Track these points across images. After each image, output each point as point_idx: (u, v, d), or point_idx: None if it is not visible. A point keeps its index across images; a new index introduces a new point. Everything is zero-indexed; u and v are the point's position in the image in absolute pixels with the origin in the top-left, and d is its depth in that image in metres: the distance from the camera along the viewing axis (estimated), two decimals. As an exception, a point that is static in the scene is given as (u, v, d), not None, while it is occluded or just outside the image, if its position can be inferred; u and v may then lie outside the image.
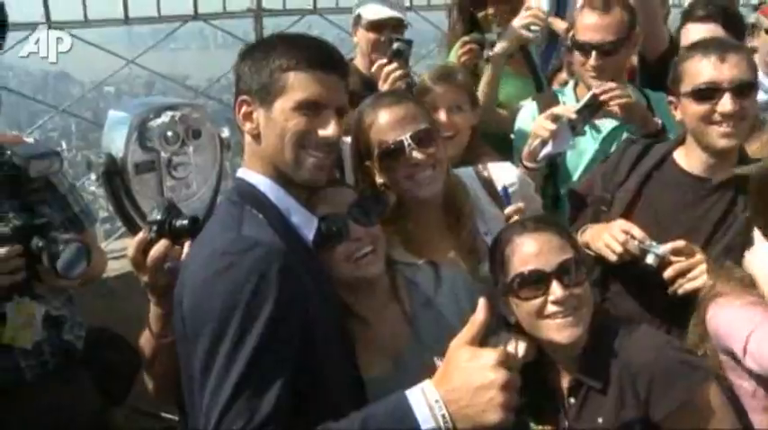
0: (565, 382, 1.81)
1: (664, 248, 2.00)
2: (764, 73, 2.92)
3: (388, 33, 2.89)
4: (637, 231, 2.04)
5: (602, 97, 2.46)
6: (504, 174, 2.20)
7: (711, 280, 1.91)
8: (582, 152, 2.67)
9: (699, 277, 1.97)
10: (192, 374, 1.47)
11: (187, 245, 1.78)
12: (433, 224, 2.07)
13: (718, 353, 1.85)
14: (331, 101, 1.62)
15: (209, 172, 2.35)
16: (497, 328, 1.82)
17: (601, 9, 2.52)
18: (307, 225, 1.66)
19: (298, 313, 1.47)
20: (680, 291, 1.99)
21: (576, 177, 2.68)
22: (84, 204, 2.27)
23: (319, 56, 1.62)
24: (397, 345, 1.84)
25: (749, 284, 1.82)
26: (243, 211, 1.58)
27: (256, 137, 1.64)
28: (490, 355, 1.28)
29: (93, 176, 2.25)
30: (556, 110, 2.49)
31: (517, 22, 2.86)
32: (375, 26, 2.95)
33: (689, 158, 2.18)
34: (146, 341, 1.93)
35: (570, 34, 2.66)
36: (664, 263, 2.00)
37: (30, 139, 2.24)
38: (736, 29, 2.89)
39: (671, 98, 2.19)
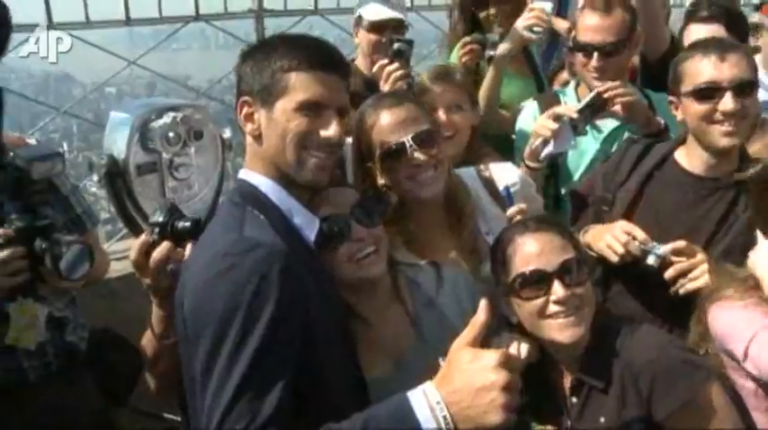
0: (567, 382, 1.81)
1: (664, 249, 2.00)
2: (767, 73, 2.93)
3: (389, 34, 2.89)
4: (638, 232, 2.04)
5: (606, 95, 2.46)
6: (505, 174, 2.20)
7: (713, 280, 1.91)
8: (583, 152, 2.67)
9: (700, 277, 1.97)
10: (193, 375, 1.47)
11: (189, 246, 1.78)
12: (435, 224, 2.08)
13: (720, 353, 1.85)
14: (332, 101, 1.62)
15: (211, 173, 2.36)
16: (500, 329, 1.82)
17: (602, 10, 2.52)
18: (309, 226, 1.66)
19: (299, 314, 1.47)
20: (681, 292, 1.99)
21: (577, 177, 2.68)
22: (87, 205, 2.27)
23: (320, 56, 1.62)
24: (400, 346, 1.84)
25: (752, 285, 1.82)
26: (244, 212, 1.58)
27: (258, 137, 1.64)
28: (491, 357, 1.28)
29: (95, 177, 2.25)
30: (557, 109, 2.50)
31: (520, 23, 2.84)
32: (376, 27, 2.95)
33: (690, 158, 2.18)
34: (148, 342, 1.94)
35: (572, 35, 2.66)
36: (665, 263, 2.00)
37: (32, 141, 2.24)
38: (739, 29, 2.89)
39: (671, 98, 2.19)
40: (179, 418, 2.16)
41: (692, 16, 3.00)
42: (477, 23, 3.19)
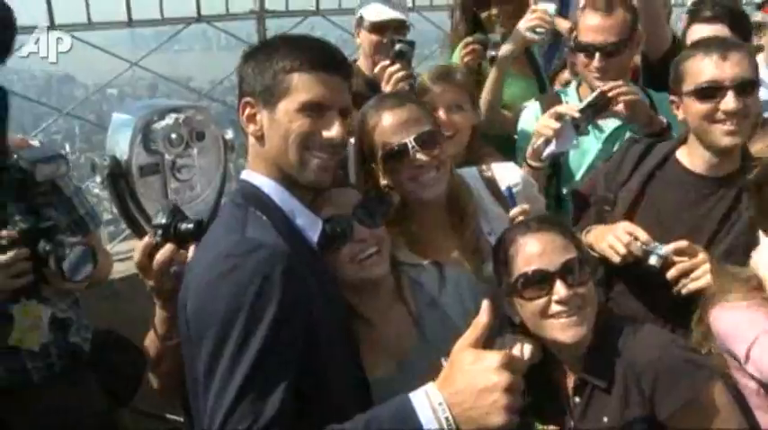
0: (570, 382, 1.81)
1: (666, 249, 2.00)
2: (771, 72, 2.92)
3: (391, 35, 2.89)
4: (641, 233, 2.04)
5: (610, 94, 2.46)
6: (507, 174, 2.20)
7: (716, 280, 1.91)
8: (585, 152, 2.67)
9: (702, 277, 1.97)
10: (196, 376, 1.47)
11: (192, 248, 1.78)
12: (437, 224, 2.08)
13: (722, 353, 1.85)
14: (335, 102, 1.62)
15: (213, 174, 2.35)
16: (502, 329, 1.82)
17: (603, 10, 2.52)
18: (311, 226, 1.66)
19: (302, 315, 1.47)
20: (684, 291, 1.99)
21: (578, 177, 2.68)
22: (90, 207, 2.27)
23: (322, 57, 1.62)
24: (403, 346, 1.84)
25: (755, 286, 1.82)
26: (247, 213, 1.58)
27: (260, 138, 1.64)
28: (494, 358, 1.28)
29: (97, 179, 2.25)
30: (559, 108, 2.50)
31: (523, 24, 2.84)
32: (377, 27, 2.95)
33: (691, 157, 2.18)
34: (151, 342, 1.94)
35: (573, 35, 2.66)
36: (667, 263, 2.00)
37: (35, 142, 2.25)
38: (743, 29, 2.89)
39: (673, 97, 2.19)
40: (182, 419, 2.16)
41: (695, 16, 2.99)
42: (479, 23, 3.19)
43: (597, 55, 2.53)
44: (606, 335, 1.76)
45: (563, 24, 3.19)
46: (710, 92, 2.03)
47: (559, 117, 2.44)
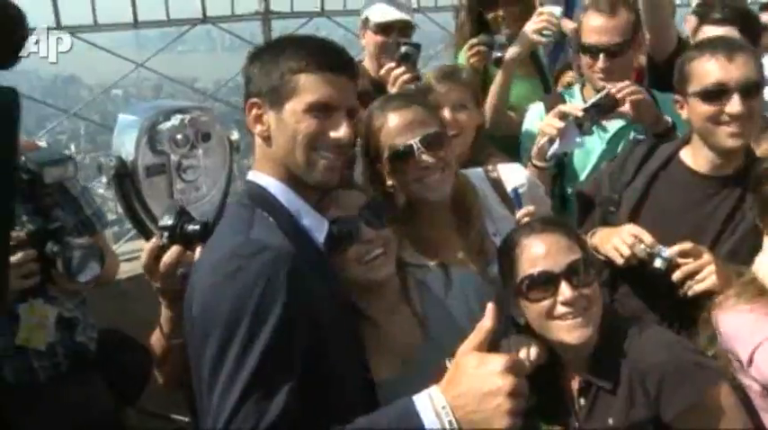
0: (575, 383, 1.81)
1: (671, 251, 1.99)
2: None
3: (396, 36, 2.89)
4: (646, 236, 2.03)
5: (618, 96, 2.46)
6: (513, 175, 2.20)
7: (721, 282, 1.91)
8: (589, 152, 2.67)
9: (707, 278, 1.96)
10: (201, 376, 1.47)
11: (198, 249, 1.78)
12: (443, 225, 2.08)
13: (728, 354, 1.85)
14: (342, 102, 1.62)
15: (219, 174, 2.35)
16: (508, 331, 1.82)
17: (606, 11, 2.52)
18: (317, 227, 1.66)
19: (306, 316, 1.47)
20: (689, 293, 1.99)
21: (583, 177, 2.68)
22: (96, 207, 2.29)
23: (328, 57, 1.62)
24: (408, 347, 1.84)
25: (759, 289, 1.81)
26: (253, 214, 1.58)
27: (267, 139, 1.64)
28: (498, 361, 1.27)
29: (103, 179, 2.26)
30: (563, 107, 2.50)
31: (530, 26, 2.84)
32: (382, 28, 2.95)
33: (695, 157, 2.18)
34: (156, 340, 1.95)
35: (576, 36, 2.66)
36: (672, 265, 2.00)
37: (42, 143, 2.26)
38: (752, 31, 2.88)
39: (677, 97, 2.19)
40: (187, 419, 2.17)
41: (704, 18, 2.99)
42: (484, 24, 3.18)
43: (601, 56, 2.54)
44: (611, 337, 1.76)
45: (569, 25, 3.19)
46: (716, 94, 2.03)
47: (563, 116, 2.45)
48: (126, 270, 2.80)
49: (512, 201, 2.14)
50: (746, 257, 1.95)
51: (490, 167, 2.23)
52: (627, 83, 2.49)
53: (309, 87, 1.58)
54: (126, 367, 2.22)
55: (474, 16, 3.22)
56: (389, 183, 2.02)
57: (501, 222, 2.09)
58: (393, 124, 1.98)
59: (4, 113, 1.44)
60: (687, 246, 2.00)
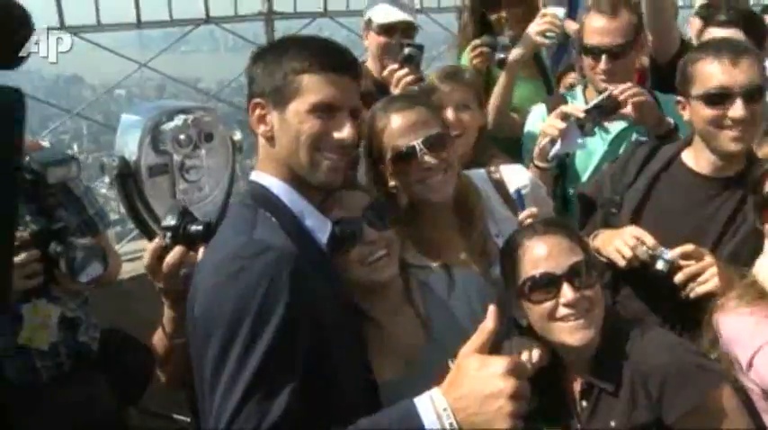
0: (577, 386, 1.81)
1: (672, 253, 2.00)
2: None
3: (399, 37, 2.89)
4: (648, 238, 2.03)
5: (621, 97, 2.46)
6: (515, 176, 2.20)
7: (723, 284, 1.91)
8: (591, 153, 2.67)
9: (709, 280, 1.96)
10: (203, 376, 1.47)
11: (201, 250, 1.78)
12: (446, 226, 2.08)
13: (729, 357, 1.85)
14: (345, 103, 1.62)
15: (222, 175, 2.36)
16: (510, 333, 1.82)
17: (608, 13, 2.52)
18: (320, 228, 1.66)
19: (309, 317, 1.47)
20: (691, 295, 1.99)
21: (584, 178, 2.68)
22: (99, 207, 2.29)
23: (332, 58, 1.62)
24: (411, 348, 1.84)
25: (760, 292, 1.81)
26: (256, 215, 1.58)
27: (270, 139, 1.64)
28: (499, 364, 1.27)
29: (106, 179, 2.26)
30: (565, 108, 2.51)
31: (533, 28, 2.84)
32: (385, 29, 2.95)
33: (697, 159, 2.18)
34: (159, 340, 1.95)
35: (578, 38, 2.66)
36: (674, 267, 2.00)
37: (45, 143, 2.27)
38: (757, 33, 2.88)
39: (679, 98, 2.18)
40: (189, 419, 2.17)
41: (710, 20, 2.99)
42: (487, 26, 3.18)
43: (604, 57, 2.54)
44: (613, 339, 1.76)
45: (572, 26, 3.18)
46: (719, 98, 2.03)
47: (565, 117, 2.45)
48: (128, 270, 2.80)
49: (514, 202, 2.14)
50: (747, 259, 1.95)
51: (493, 168, 2.23)
52: (629, 84, 2.49)
53: (313, 88, 1.58)
54: (128, 367, 2.22)
55: (477, 17, 3.22)
56: (392, 184, 2.02)
57: (503, 223, 2.09)
58: (396, 125, 1.98)
59: (4, 113, 1.44)
60: (689, 248, 2.00)
